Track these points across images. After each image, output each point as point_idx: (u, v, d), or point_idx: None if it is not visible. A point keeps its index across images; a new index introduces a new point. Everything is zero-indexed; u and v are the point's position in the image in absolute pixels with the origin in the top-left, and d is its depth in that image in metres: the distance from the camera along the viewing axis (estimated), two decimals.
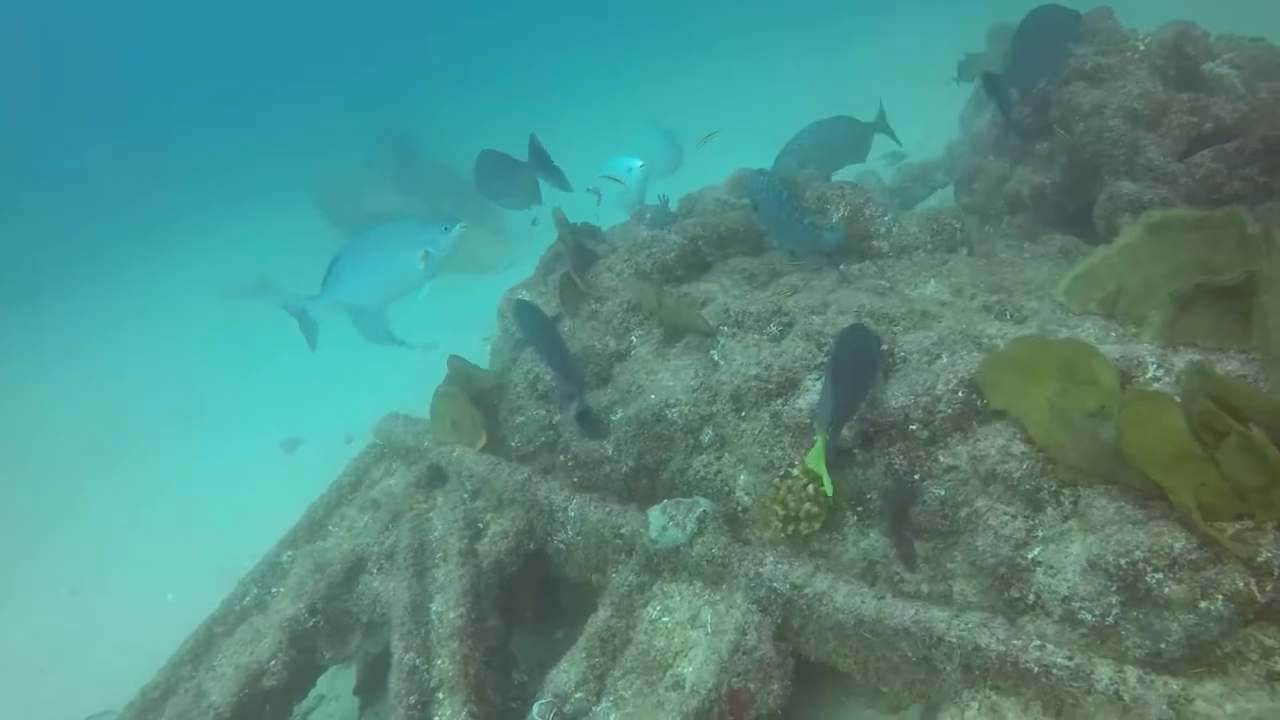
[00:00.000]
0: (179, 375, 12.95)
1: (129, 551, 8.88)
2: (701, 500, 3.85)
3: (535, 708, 3.55)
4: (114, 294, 18.38)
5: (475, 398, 4.92)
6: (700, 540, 3.76)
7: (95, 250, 20.81)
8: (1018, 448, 3.29)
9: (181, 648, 4.63)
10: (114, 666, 7.10)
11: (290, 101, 26.70)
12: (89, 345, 15.58)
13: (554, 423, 4.80)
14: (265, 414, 10.72)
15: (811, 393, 3.84)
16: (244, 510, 8.66)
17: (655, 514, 3.87)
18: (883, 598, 3.36)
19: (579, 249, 4.99)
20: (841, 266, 4.66)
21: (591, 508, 4.18)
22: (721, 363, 4.26)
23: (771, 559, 3.63)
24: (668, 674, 3.62)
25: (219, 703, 4.20)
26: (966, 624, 3.14)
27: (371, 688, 5.39)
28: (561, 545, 4.41)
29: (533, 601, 4.78)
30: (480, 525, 4.58)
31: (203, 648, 4.63)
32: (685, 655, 3.66)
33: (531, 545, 4.52)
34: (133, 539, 9.06)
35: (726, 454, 4.12)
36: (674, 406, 4.18)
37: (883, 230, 4.97)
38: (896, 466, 3.55)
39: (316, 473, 8.61)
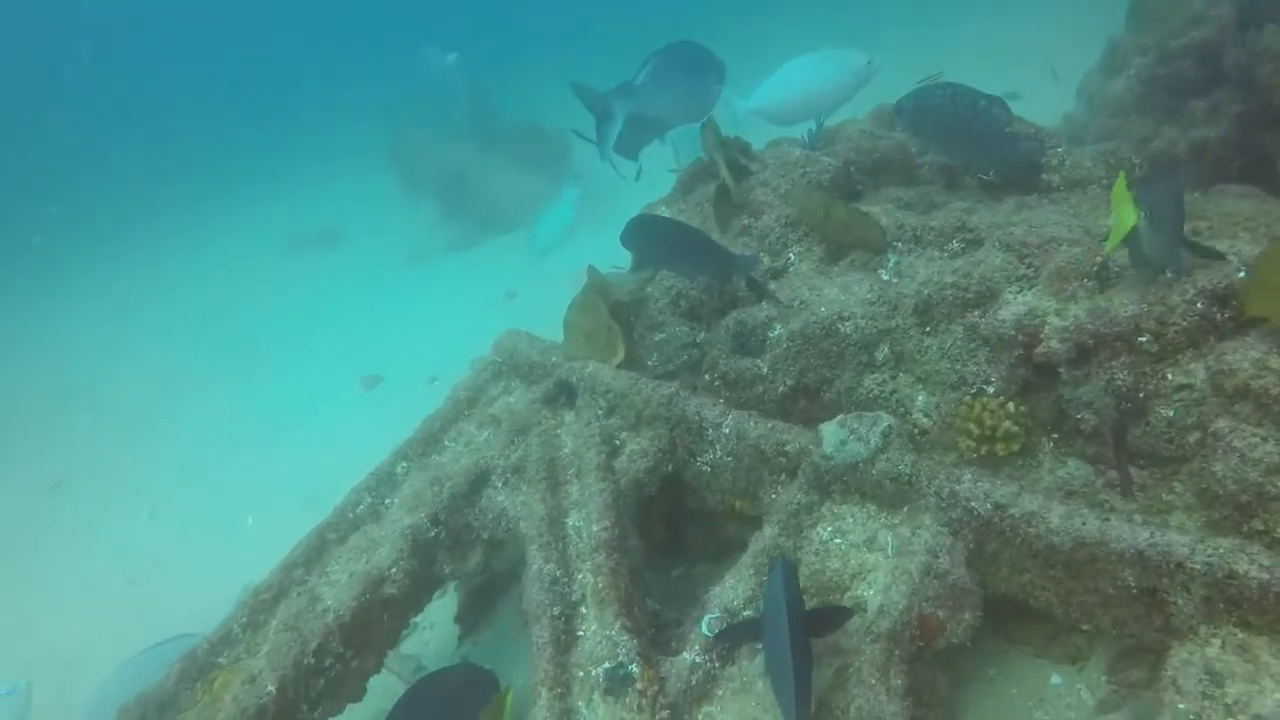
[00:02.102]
0: (253, 318, 12.83)
1: (209, 480, 8.73)
2: (884, 414, 3.53)
3: (704, 621, 3.25)
4: (191, 241, 18.36)
5: (611, 312, 4.62)
6: (885, 456, 3.43)
7: (175, 200, 20.84)
8: (1277, 361, 2.93)
9: (293, 551, 4.38)
10: (193, 587, 6.91)
11: (366, 56, 26.52)
12: (166, 289, 15.52)
13: (697, 341, 4.50)
14: (342, 354, 10.53)
15: (1012, 306, 3.50)
16: (324, 442, 8.47)
17: (832, 428, 3.55)
18: (1107, 519, 3.01)
19: (733, 162, 4.67)
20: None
21: (751, 424, 3.88)
22: (895, 280, 3.93)
23: (969, 476, 3.30)
24: (845, 597, 3.31)
25: (339, 607, 3.94)
26: (1216, 549, 2.79)
27: (472, 616, 5.14)
28: (705, 467, 4.11)
29: (662, 530, 4.49)
30: (616, 443, 4.27)
31: (314, 553, 4.38)
32: (863, 578, 3.34)
33: (670, 467, 4.22)
34: (213, 468, 8.90)
35: (903, 373, 3.80)
36: (847, 320, 3.85)
37: (1055, 162, 4.60)
38: (1119, 383, 3.20)
39: (398, 409, 8.41)
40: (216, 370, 11.32)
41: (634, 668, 3.15)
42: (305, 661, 3.79)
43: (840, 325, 3.87)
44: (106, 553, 7.91)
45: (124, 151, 26.64)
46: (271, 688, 3.69)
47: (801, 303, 4.09)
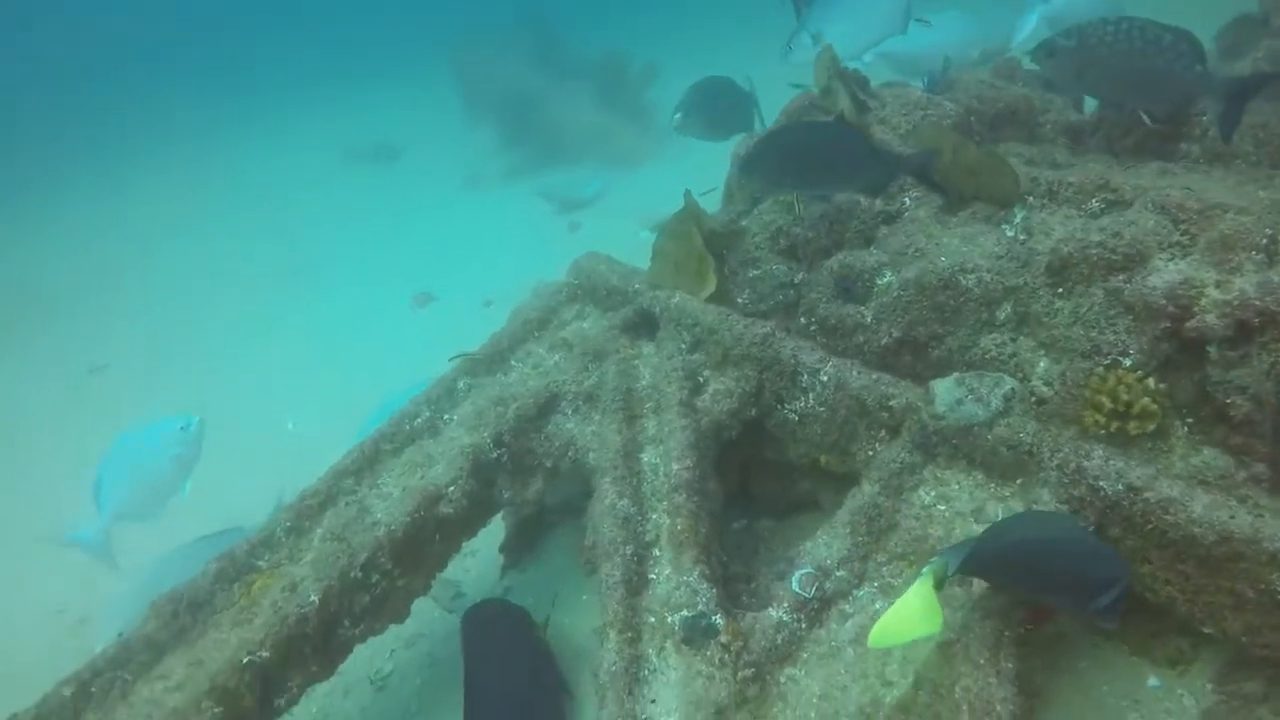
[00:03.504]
0: (303, 227, 12.61)
1: (249, 380, 8.54)
2: (1007, 377, 3.21)
3: (795, 577, 2.99)
4: (243, 148, 18.14)
5: (705, 242, 4.31)
6: (1005, 421, 3.13)
7: (228, 105, 20.60)
8: None
9: (345, 458, 4.15)
10: (228, 484, 6.73)
11: None
12: (215, 192, 15.32)
13: (795, 281, 4.19)
14: (393, 270, 10.29)
15: (1164, 273, 3.15)
16: (371, 355, 8.25)
17: (946, 385, 3.25)
18: (1260, 515, 2.69)
19: (852, 96, 4.32)
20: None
21: (853, 373, 3.58)
22: (1023, 236, 3.59)
23: (1100, 453, 2.99)
24: None
25: (391, 522, 3.71)
26: None
27: (518, 548, 4.92)
28: (793, 415, 3.83)
29: (735, 478, 4.22)
30: (700, 380, 3.99)
31: (366, 463, 4.15)
32: None
33: (753, 412, 3.93)
34: (254, 370, 8.72)
35: (1025, 335, 3.47)
36: (971, 272, 3.52)
37: (1197, 131, 4.21)
38: None
39: (449, 328, 8.20)
40: (263, 276, 11.13)
41: (718, 619, 2.88)
42: (352, 575, 3.58)
43: (962, 278, 3.54)
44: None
45: (181, 49, 26.40)
46: (315, 598, 3.48)
47: (917, 250, 3.77)
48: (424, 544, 3.80)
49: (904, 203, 4.04)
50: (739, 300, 4.35)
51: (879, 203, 4.08)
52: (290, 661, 3.44)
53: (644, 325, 4.43)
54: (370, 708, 4.37)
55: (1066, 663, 3.39)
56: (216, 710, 3.20)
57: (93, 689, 3.41)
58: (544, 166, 13.33)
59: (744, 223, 4.41)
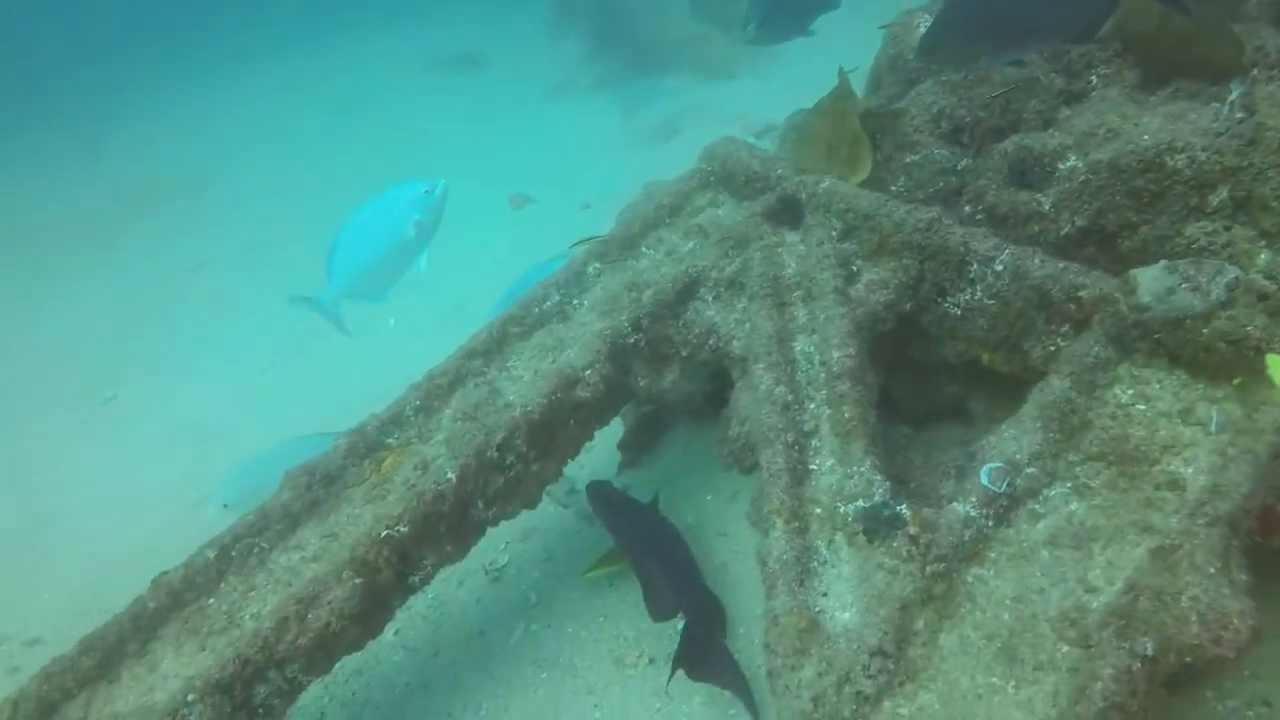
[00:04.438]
0: (393, 131, 12.43)
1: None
2: (1229, 264, 2.87)
3: (984, 471, 2.73)
4: (330, 53, 17.97)
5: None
6: (1228, 313, 2.79)
7: (321, 18, 20.40)
8: None
9: (473, 339, 3.97)
10: (330, 377, 6.68)
11: None
12: (307, 94, 15.20)
13: (958, 167, 3.86)
14: (487, 175, 10.08)
15: None
16: (468, 254, 8.08)
17: (1153, 274, 2.92)
18: None
19: None
20: None
21: (1035, 261, 3.26)
22: (1240, 115, 3.20)
23: None
24: (1155, 469, 2.73)
25: (530, 404, 3.53)
26: None
27: (636, 445, 4.74)
28: (954, 309, 3.53)
29: (882, 375, 3.94)
30: (853, 270, 3.70)
31: (495, 344, 3.97)
32: (1177, 453, 2.76)
33: (909, 305, 3.64)
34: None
35: (1242, 224, 3.11)
36: (1182, 151, 3.17)
37: None
38: None
39: (546, 229, 7.99)
40: (355, 176, 10.99)
41: (903, 509, 2.65)
42: (488, 454, 3.42)
43: (1169, 158, 3.19)
44: (246, 336, 7.74)
45: None
46: (451, 475, 3.33)
47: (1110, 131, 3.41)
48: (559, 428, 3.62)
49: (1090, 80, 3.67)
50: (891, 188, 4.03)
51: (1060, 80, 3.70)
52: (426, 539, 3.31)
53: (787, 213, 4.13)
54: (485, 597, 4.27)
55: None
56: (357, 582, 3.08)
57: (233, 553, 3.32)
58: (633, 77, 12.92)
59: (902, 103, 4.06)
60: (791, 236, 4.00)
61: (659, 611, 3.46)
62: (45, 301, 9.36)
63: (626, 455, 4.77)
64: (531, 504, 3.63)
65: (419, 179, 4.71)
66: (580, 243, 4.81)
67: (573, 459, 3.79)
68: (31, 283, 9.87)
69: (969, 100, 3.83)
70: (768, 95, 10.31)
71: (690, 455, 4.65)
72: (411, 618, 4.24)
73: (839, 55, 5.12)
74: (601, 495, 3.95)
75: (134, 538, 5.41)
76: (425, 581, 3.37)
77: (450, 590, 4.36)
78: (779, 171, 4.13)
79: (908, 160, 3.97)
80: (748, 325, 3.70)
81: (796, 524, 2.80)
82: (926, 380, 4.04)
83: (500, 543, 4.51)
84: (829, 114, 4.01)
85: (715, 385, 4.22)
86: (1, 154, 15.94)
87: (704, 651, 3.23)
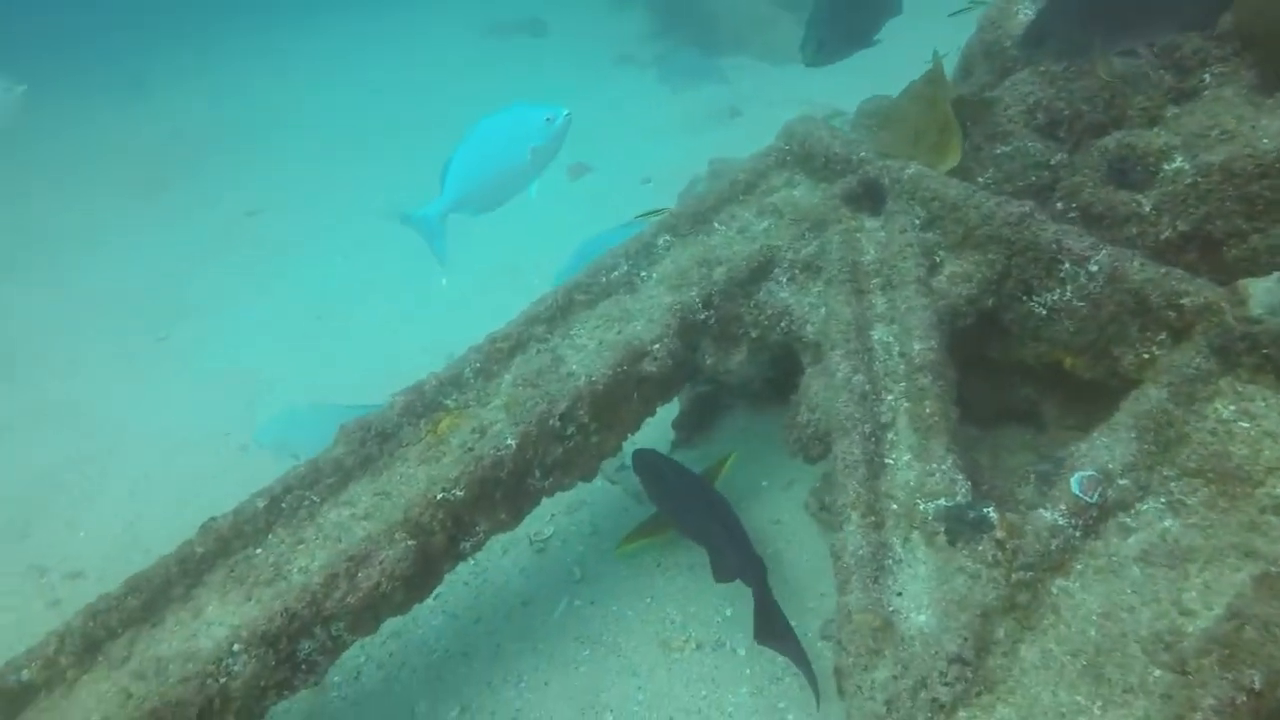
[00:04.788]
0: (451, 92, 12.34)
1: (402, 235, 8.35)
2: None
3: (1075, 479, 2.60)
4: (382, 14, 17.88)
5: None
6: None
7: None
8: None
9: (536, 305, 3.88)
10: (379, 331, 6.63)
11: None
12: (358, 59, 15.13)
13: (1051, 162, 3.69)
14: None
15: None
16: (524, 219, 7.95)
17: (1267, 285, 2.79)
18: None
19: None
20: None
21: (1134, 264, 3.10)
22: None
23: None
24: (1259, 491, 2.58)
25: (593, 373, 3.44)
26: None
27: (691, 425, 4.64)
28: (1040, 309, 3.39)
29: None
30: (935, 260, 3.57)
31: (559, 311, 3.88)
32: None
33: (991, 301, 3.50)
34: (411, 233, 8.51)
35: None
36: None
37: None
38: None
39: (606, 201, 7.88)
40: (415, 138, 10.91)
41: (991, 512, 2.53)
42: (550, 423, 3.33)
43: None
44: (297, 285, 7.72)
45: None
46: (512, 442, 3.24)
47: (1224, 133, 3.24)
48: (622, 401, 3.53)
49: (1203, 79, 3.50)
50: (978, 179, 3.88)
51: (1169, 76, 3.53)
52: (480, 505, 3.24)
53: (867, 197, 4.00)
54: (529, 568, 4.20)
55: None
56: (409, 543, 3.01)
57: (283, 505, 3.26)
58: (696, 54, 12.72)
59: (996, 92, 3.90)
60: (871, 222, 3.88)
61: (724, 571, 3.38)
62: (101, 239, 9.41)
63: (680, 434, 4.68)
64: (588, 477, 3.54)
65: (543, 103, 4.60)
66: (647, 214, 4.71)
67: (633, 434, 3.69)
68: (88, 220, 9.92)
69: (1069, 93, 3.66)
70: (832, 80, 10.06)
71: (746, 439, 4.55)
72: (453, 583, 4.17)
73: (903, 43, 4.98)
74: (650, 463, 3.83)
75: (178, 479, 5.41)
76: (476, 548, 3.30)
77: (493, 558, 4.30)
78: (862, 154, 3.99)
79: (998, 151, 3.82)
80: (823, 310, 3.59)
81: (872, 518, 2.68)
82: (998, 380, 3.89)
83: (547, 514, 4.43)
84: (919, 99, 3.87)
85: (775, 370, 4.12)
86: (56, 93, 16.04)
87: (772, 618, 3.18)
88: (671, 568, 3.99)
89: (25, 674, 2.95)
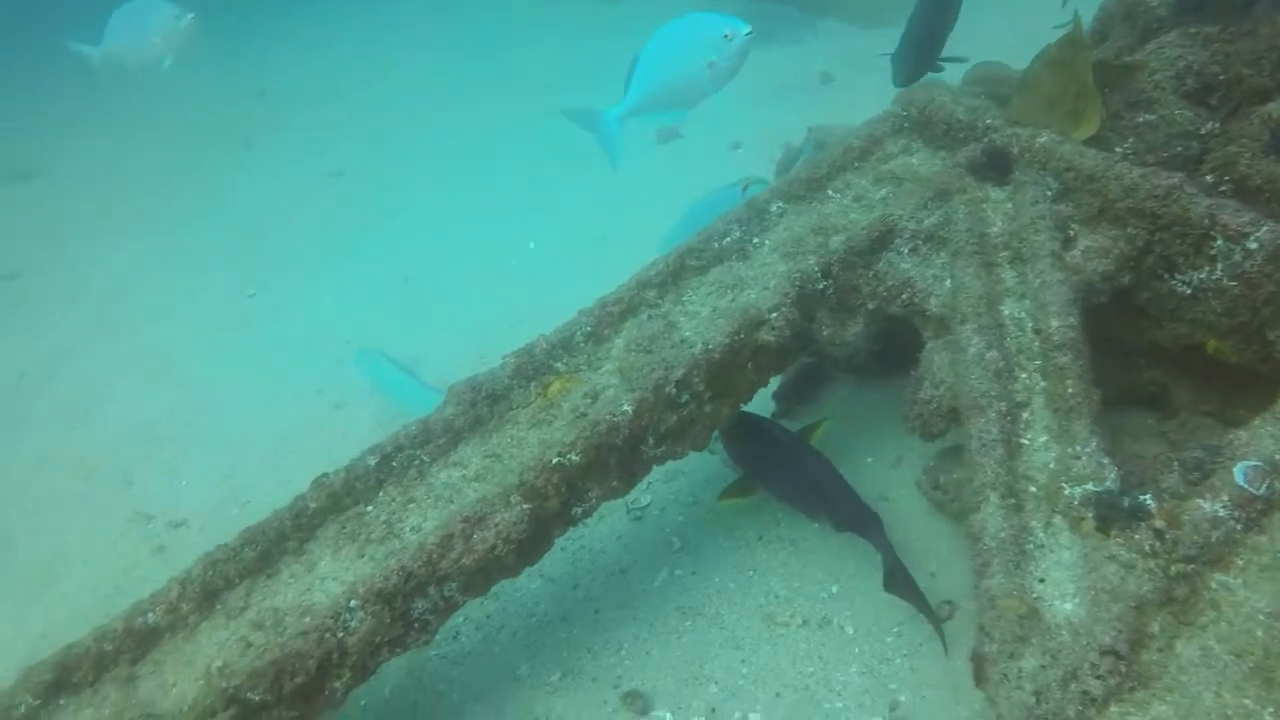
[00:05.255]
0: (534, 57, 12.23)
1: (489, 196, 8.36)
2: None
3: (1239, 469, 2.45)
4: None
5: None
6: None
7: None
8: None
9: (648, 269, 3.81)
10: (469, 291, 6.61)
11: None
12: (440, 25, 15.06)
13: (1201, 132, 3.49)
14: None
15: None
16: (612, 183, 7.86)
17: None
18: None
19: None
20: None
21: None
22: None
23: None
24: None
25: (710, 341, 3.35)
26: None
27: (793, 395, 4.55)
28: (1183, 288, 3.22)
29: None
30: (1069, 234, 3.40)
31: (671, 277, 3.80)
32: None
33: (1128, 279, 3.32)
34: (494, 188, 8.52)
35: None
36: None
37: None
38: None
39: (694, 166, 7.75)
40: (497, 101, 10.86)
41: (1149, 500, 2.39)
42: (666, 390, 3.25)
43: None
44: (383, 247, 7.75)
45: None
46: (628, 408, 3.18)
47: None
48: (736, 370, 3.44)
49: None
50: (1116, 149, 3.69)
51: None
52: (594, 471, 3.19)
53: (991, 166, 3.83)
54: (626, 535, 4.15)
55: None
56: (525, 507, 2.97)
57: (394, 463, 3.25)
58: (786, 18, 12.41)
59: (1145, 57, 3.69)
60: (996, 193, 3.71)
61: (843, 522, 3.51)
62: (190, 194, 9.55)
63: (782, 405, 4.58)
64: (700, 446, 3.47)
65: (721, 15, 4.55)
66: (751, 182, 4.60)
67: (745, 404, 3.60)
68: (178, 175, 10.07)
69: (1226, 55, 3.45)
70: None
71: (850, 412, 4.44)
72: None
73: (992, 9, 4.76)
74: (744, 424, 3.84)
75: (272, 434, 5.47)
76: (587, 514, 3.26)
77: (590, 525, 4.25)
78: (988, 122, 3.82)
79: (1140, 120, 3.62)
80: (947, 283, 3.45)
81: (1012, 500, 2.57)
82: (1122, 361, 3.72)
83: (644, 482, 4.35)
84: (1055, 63, 3.67)
85: (881, 342, 4.00)
86: None
87: (897, 566, 3.23)
88: (774, 541, 3.91)
89: (151, 617, 2.98)
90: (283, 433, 5.41)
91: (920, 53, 4.11)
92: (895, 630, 3.38)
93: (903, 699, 3.14)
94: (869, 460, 4.14)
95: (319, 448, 5.27)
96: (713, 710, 3.28)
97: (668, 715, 3.28)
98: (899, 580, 3.22)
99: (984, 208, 3.65)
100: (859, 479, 3.98)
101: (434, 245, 7.56)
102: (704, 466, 4.47)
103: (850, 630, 3.45)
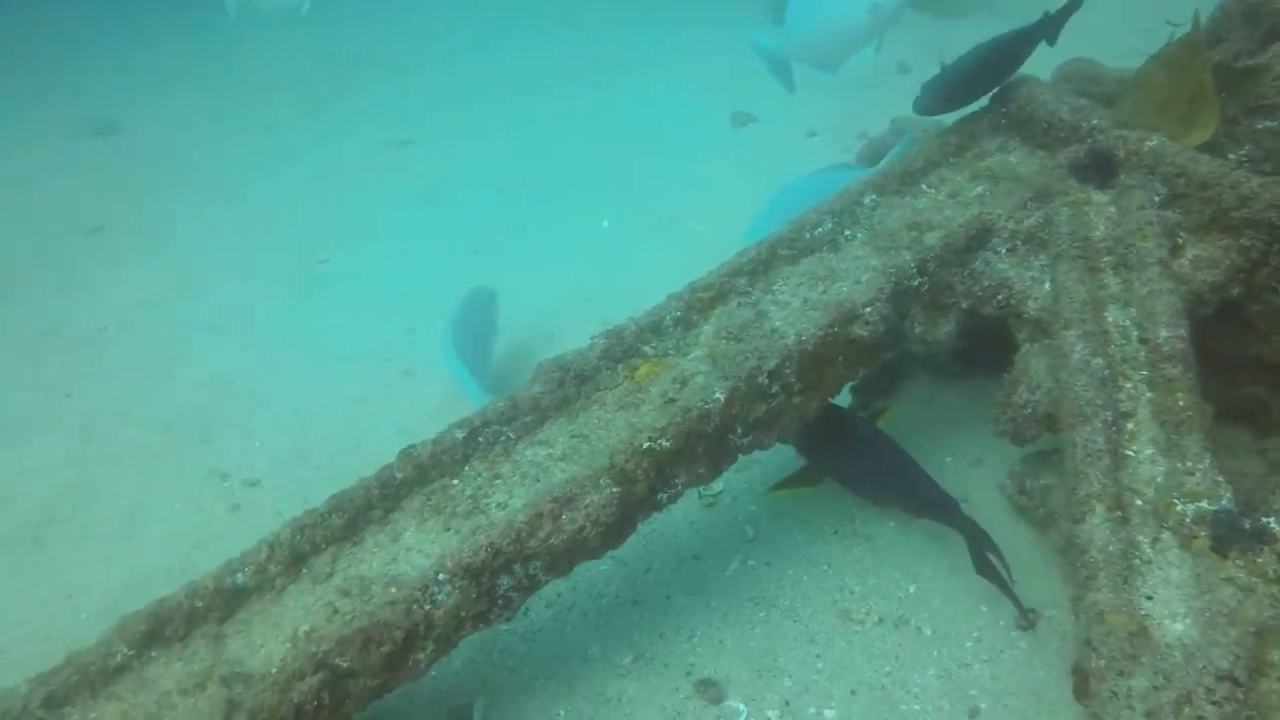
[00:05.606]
0: (604, 40, 12.17)
1: (562, 177, 8.34)
2: None
3: None
4: None
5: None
6: None
7: None
8: None
9: (739, 257, 3.78)
10: (538, 268, 6.62)
11: None
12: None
13: None
14: (708, 82, 9.76)
15: None
16: (685, 165, 7.86)
17: None
18: None
19: None
20: None
21: None
22: None
23: None
24: None
25: (803, 333, 3.33)
26: None
27: (870, 390, 4.51)
28: None
29: None
30: (1177, 242, 3.31)
31: (761, 265, 3.77)
32: None
33: (1237, 291, 3.23)
34: (568, 167, 8.50)
35: None
36: None
37: None
38: None
39: (769, 152, 7.69)
40: (570, 80, 10.83)
41: (1273, 523, 2.33)
42: (758, 380, 3.23)
43: None
44: (452, 218, 7.78)
45: None
46: (720, 396, 3.17)
47: None
48: (827, 364, 3.41)
49: None
50: (1229, 156, 3.58)
51: None
52: (683, 457, 3.18)
53: (1094, 169, 3.74)
54: (699, 522, 4.14)
55: None
56: (614, 490, 2.97)
57: (480, 438, 3.26)
58: None
59: (1260, 60, 3.58)
60: (1099, 195, 3.62)
61: (920, 509, 3.57)
62: (262, 157, 9.65)
63: (859, 400, 4.54)
64: (786, 438, 3.45)
65: None
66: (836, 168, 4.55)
67: (833, 398, 3.57)
68: (251, 138, 10.19)
69: None
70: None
71: (930, 411, 4.39)
72: None
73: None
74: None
75: (342, 399, 5.52)
76: (672, 500, 3.25)
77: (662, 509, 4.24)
78: (1094, 122, 3.73)
79: (1259, 127, 3.52)
80: (1047, 285, 3.38)
81: (1119, 513, 2.51)
82: (1222, 375, 3.63)
83: None
84: (1172, 65, 3.57)
85: (963, 341, 3.94)
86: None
87: (987, 543, 3.26)
88: (849, 536, 3.89)
89: (240, 577, 3.03)
90: (353, 399, 5.46)
91: (948, 97, 4.05)
92: (975, 635, 3.34)
93: (983, 706, 3.10)
94: (948, 459, 4.09)
95: (388, 415, 5.32)
96: (786, 704, 3.26)
97: (741, 706, 3.26)
98: (988, 561, 3.24)
99: (1086, 210, 3.57)
100: (936, 478, 3.93)
101: (503, 219, 7.57)
102: (777, 456, 4.41)
103: (928, 632, 3.41)
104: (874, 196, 3.95)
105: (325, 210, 8.27)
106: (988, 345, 3.75)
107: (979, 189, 3.90)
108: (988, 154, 4.11)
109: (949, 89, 4.03)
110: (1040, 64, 4.20)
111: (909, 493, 3.53)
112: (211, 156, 9.87)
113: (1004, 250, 3.59)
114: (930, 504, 3.47)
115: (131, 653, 2.95)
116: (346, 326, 6.34)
